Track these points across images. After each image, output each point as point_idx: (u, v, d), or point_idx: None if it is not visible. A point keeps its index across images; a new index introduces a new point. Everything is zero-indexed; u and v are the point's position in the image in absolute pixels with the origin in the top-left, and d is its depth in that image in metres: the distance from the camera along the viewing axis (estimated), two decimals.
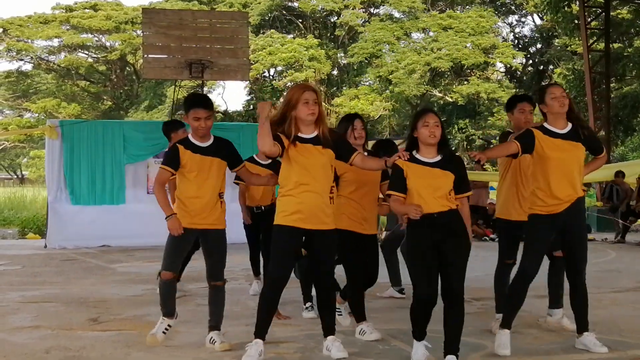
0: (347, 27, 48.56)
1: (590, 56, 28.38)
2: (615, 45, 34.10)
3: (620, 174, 20.56)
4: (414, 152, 6.01)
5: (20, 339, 7.10)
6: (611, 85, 30.73)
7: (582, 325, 6.59)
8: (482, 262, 8.71)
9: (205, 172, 6.58)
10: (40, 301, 9.48)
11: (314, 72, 45.19)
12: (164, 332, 6.72)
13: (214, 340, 6.62)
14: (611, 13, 30.77)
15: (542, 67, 47.03)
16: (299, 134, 6.17)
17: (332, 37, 50.30)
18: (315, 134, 6.23)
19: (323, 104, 42.01)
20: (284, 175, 6.22)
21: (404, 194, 5.96)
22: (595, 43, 29.69)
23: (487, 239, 19.54)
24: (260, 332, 6.16)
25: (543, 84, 43.39)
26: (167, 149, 7.15)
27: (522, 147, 6.49)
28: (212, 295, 6.78)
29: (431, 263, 5.83)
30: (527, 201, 6.82)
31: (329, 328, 6.37)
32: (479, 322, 6.59)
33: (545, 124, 6.57)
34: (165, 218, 6.55)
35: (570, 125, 6.53)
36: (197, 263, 6.59)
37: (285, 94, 6.04)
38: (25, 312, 8.66)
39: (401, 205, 5.95)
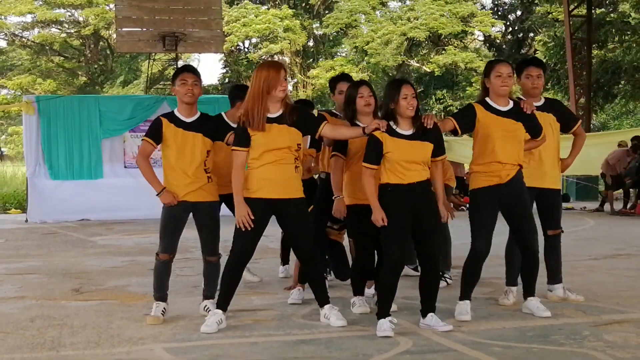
0: None
1: (571, 22, 27.76)
2: (598, 11, 33.34)
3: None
4: (392, 124, 6.08)
5: (5, 308, 7.25)
6: (593, 52, 30.07)
7: (529, 291, 6.71)
8: (457, 232, 8.86)
9: (189, 148, 6.44)
10: (24, 273, 9.66)
11: (289, 43, 44.99)
12: (162, 314, 6.57)
13: (208, 308, 6.63)
14: None
15: (522, 35, 46.44)
16: (266, 114, 6.13)
17: (307, 7, 49.89)
18: (280, 112, 6.19)
19: (299, 75, 41.75)
20: (250, 155, 6.16)
21: (378, 165, 6.07)
22: (577, 9, 28.91)
23: (464, 209, 19.71)
24: (223, 304, 6.25)
25: (522, 52, 43.47)
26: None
27: (459, 125, 6.51)
28: (206, 269, 6.79)
29: (406, 228, 6.02)
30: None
31: (322, 298, 6.41)
32: (454, 290, 6.77)
33: (487, 99, 6.57)
34: (157, 195, 6.45)
35: (512, 103, 6.54)
36: None
37: (255, 79, 5.90)
38: (9, 283, 8.83)
39: (374, 200, 6.02)
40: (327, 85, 40.88)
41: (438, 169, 6.26)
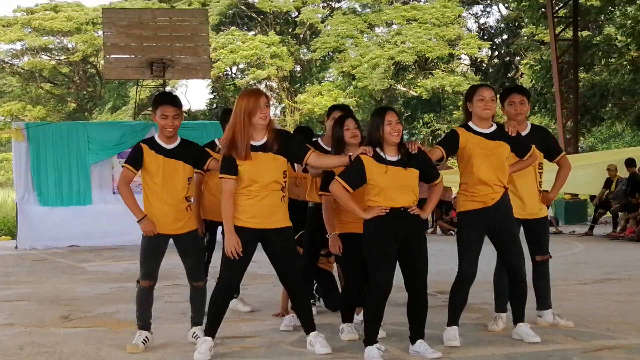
0: (307, 25, 48.40)
1: (557, 45, 27.65)
2: (584, 34, 33.38)
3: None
4: (378, 150, 6.08)
5: None
6: (579, 75, 29.94)
7: (518, 317, 6.70)
8: (446, 256, 8.87)
9: (169, 175, 6.45)
10: (14, 300, 9.66)
11: (276, 69, 45.05)
12: (143, 343, 6.52)
13: (196, 335, 6.61)
14: (579, 0, 29.65)
15: (508, 58, 46.48)
16: (251, 142, 6.14)
17: (294, 33, 50.13)
18: (264, 140, 6.20)
19: (286, 100, 41.70)
20: (238, 185, 6.16)
21: (353, 189, 6.07)
22: (563, 32, 28.85)
23: (452, 233, 19.73)
24: (211, 331, 6.23)
25: (509, 75, 43.56)
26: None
27: (445, 151, 6.58)
28: (193, 295, 6.80)
29: (394, 254, 6.03)
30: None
31: (309, 326, 6.41)
32: (442, 316, 6.77)
33: (470, 123, 6.63)
34: (138, 221, 6.47)
35: (495, 126, 6.60)
36: (164, 262, 6.68)
37: (236, 108, 6.14)
38: None
39: (358, 208, 6.06)
40: (314, 110, 40.80)
41: (435, 190, 6.28)
